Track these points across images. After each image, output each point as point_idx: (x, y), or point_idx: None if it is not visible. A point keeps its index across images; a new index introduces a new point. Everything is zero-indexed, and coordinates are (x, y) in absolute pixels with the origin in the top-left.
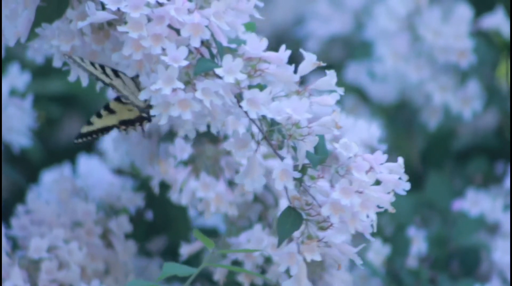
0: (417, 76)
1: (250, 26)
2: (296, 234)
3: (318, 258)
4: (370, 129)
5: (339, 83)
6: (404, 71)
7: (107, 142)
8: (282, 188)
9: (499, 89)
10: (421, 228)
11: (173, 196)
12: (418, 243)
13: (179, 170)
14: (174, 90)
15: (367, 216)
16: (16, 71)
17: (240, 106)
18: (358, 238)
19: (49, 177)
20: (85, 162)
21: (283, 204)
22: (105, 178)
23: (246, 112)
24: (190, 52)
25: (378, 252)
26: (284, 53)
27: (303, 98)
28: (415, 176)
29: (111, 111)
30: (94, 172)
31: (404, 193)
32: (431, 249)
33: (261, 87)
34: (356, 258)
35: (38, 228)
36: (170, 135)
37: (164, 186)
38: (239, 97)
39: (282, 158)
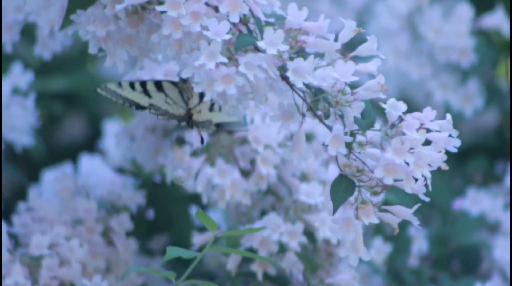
0: (418, 74)
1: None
2: (350, 200)
3: (375, 221)
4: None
5: None
6: (405, 69)
7: (109, 139)
8: (334, 154)
9: (499, 88)
10: (422, 227)
11: (188, 183)
12: (419, 242)
13: (193, 158)
14: (217, 65)
15: (422, 175)
16: (18, 70)
17: (284, 78)
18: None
19: (51, 175)
20: (87, 161)
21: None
22: (107, 176)
23: (291, 83)
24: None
25: (379, 250)
26: (323, 21)
27: (348, 62)
28: None
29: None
30: (96, 171)
31: (455, 150)
32: (432, 248)
33: (303, 57)
34: (413, 219)
35: (39, 226)
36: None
37: (166, 185)
38: (281, 70)
39: (329, 128)
